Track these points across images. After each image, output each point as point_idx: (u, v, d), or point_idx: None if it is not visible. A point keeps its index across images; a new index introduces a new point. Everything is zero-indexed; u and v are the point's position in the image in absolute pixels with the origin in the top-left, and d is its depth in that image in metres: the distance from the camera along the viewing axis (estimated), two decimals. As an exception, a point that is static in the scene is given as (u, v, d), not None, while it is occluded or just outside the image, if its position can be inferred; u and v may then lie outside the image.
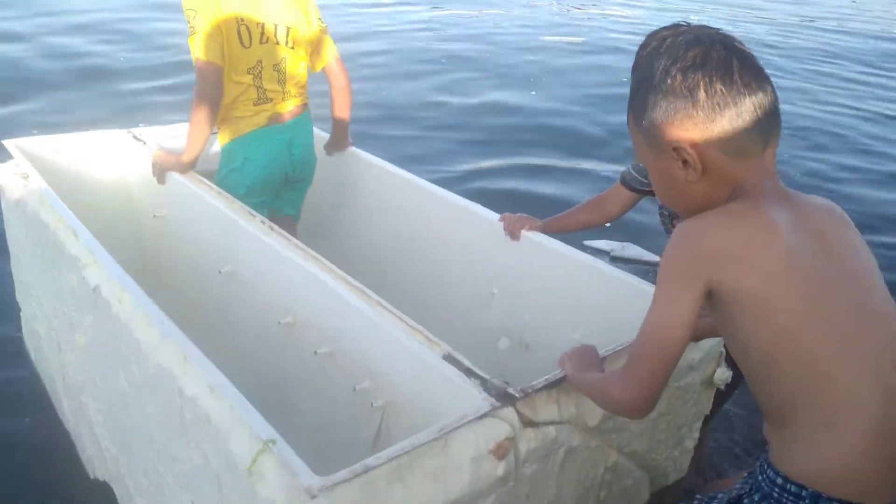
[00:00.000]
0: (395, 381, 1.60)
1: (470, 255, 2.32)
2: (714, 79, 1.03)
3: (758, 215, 1.05)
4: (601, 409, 1.47)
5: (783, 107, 1.10)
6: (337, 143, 2.78)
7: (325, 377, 1.79)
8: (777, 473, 1.07)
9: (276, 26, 2.40)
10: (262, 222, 2.03)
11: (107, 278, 1.66)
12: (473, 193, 4.15)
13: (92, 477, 2.17)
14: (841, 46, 9.90)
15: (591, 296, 1.95)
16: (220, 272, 2.11)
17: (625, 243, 3.75)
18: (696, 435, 1.86)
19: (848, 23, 12.11)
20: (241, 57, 2.35)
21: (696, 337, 1.59)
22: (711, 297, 1.06)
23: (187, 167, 2.36)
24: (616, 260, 3.62)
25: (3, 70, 6.23)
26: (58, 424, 2.38)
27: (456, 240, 2.36)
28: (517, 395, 1.35)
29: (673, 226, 1.97)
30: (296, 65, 2.51)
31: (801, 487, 1.03)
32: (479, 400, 1.33)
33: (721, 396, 1.91)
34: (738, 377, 1.83)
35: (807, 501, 1.03)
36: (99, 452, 2.04)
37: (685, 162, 1.07)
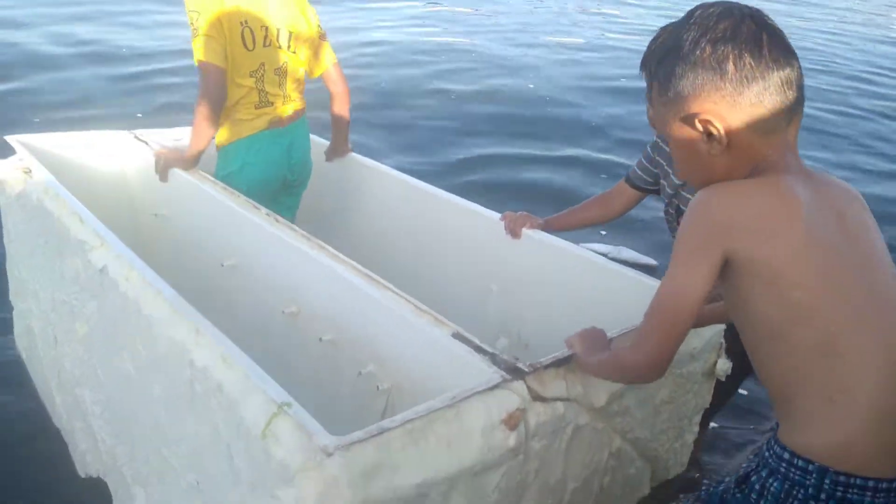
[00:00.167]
0: (401, 364, 1.60)
1: (470, 254, 2.33)
2: (743, 52, 1.03)
3: (779, 189, 1.06)
4: (607, 390, 1.48)
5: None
6: (337, 149, 2.79)
7: (329, 363, 1.79)
8: (784, 448, 1.07)
9: (278, 30, 2.43)
10: (268, 214, 2.05)
11: (115, 257, 1.67)
12: (469, 181, 4.21)
13: (84, 474, 2.14)
14: (841, 46, 10.10)
15: (592, 292, 1.96)
16: (222, 265, 2.12)
17: (619, 247, 3.74)
18: (696, 429, 1.88)
19: (847, 25, 12.40)
20: (244, 60, 2.37)
21: (698, 323, 1.61)
22: (726, 267, 1.06)
23: (190, 163, 2.37)
24: None
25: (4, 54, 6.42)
26: (49, 424, 2.35)
27: (456, 240, 2.38)
28: (527, 370, 1.37)
29: (678, 224, 2.01)
30: (296, 69, 2.53)
31: (808, 462, 1.03)
32: (490, 373, 1.34)
33: (722, 392, 1.93)
34: (737, 372, 1.86)
35: (814, 476, 1.03)
36: (94, 446, 2.01)
37: (710, 135, 1.07)
